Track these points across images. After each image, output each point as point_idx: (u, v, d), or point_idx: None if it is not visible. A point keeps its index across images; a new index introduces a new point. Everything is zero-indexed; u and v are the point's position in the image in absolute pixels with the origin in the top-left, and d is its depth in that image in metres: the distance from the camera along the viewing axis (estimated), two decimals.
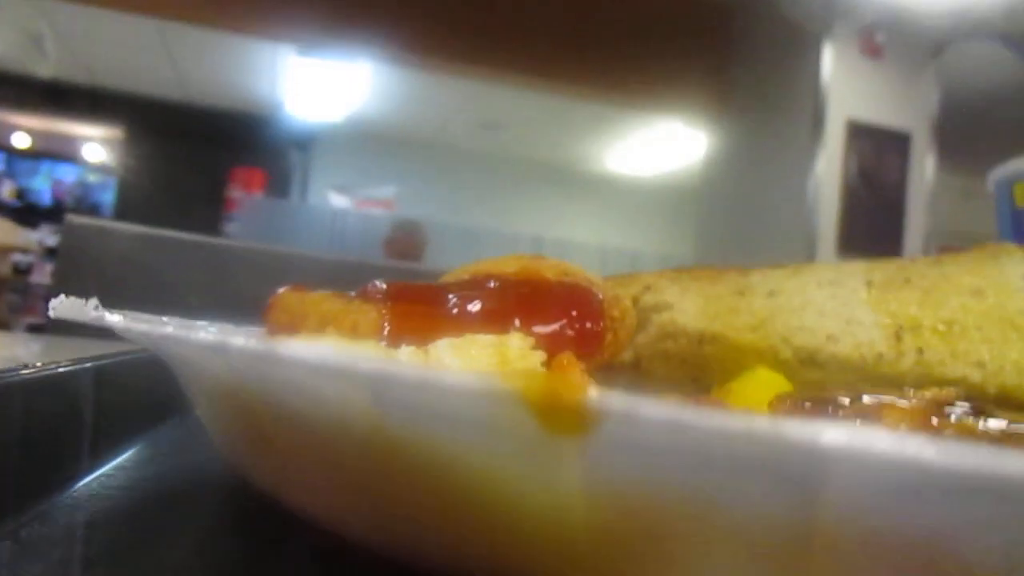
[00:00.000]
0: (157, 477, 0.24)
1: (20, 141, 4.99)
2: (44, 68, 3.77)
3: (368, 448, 0.13)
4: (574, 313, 0.24)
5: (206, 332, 0.13)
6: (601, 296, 0.25)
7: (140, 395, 0.32)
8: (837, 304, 0.27)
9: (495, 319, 0.23)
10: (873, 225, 2.51)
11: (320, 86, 3.75)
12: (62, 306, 0.21)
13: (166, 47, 3.69)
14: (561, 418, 0.10)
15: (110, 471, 0.24)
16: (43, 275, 4.70)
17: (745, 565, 0.11)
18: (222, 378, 0.15)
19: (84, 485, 0.22)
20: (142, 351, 0.34)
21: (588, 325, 0.24)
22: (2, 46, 3.79)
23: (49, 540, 0.17)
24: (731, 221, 2.83)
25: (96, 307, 0.19)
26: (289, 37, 2.91)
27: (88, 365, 0.25)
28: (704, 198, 3.04)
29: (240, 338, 0.13)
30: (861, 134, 2.52)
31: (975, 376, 0.24)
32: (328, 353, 0.12)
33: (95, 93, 4.29)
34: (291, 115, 4.25)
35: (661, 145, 4.11)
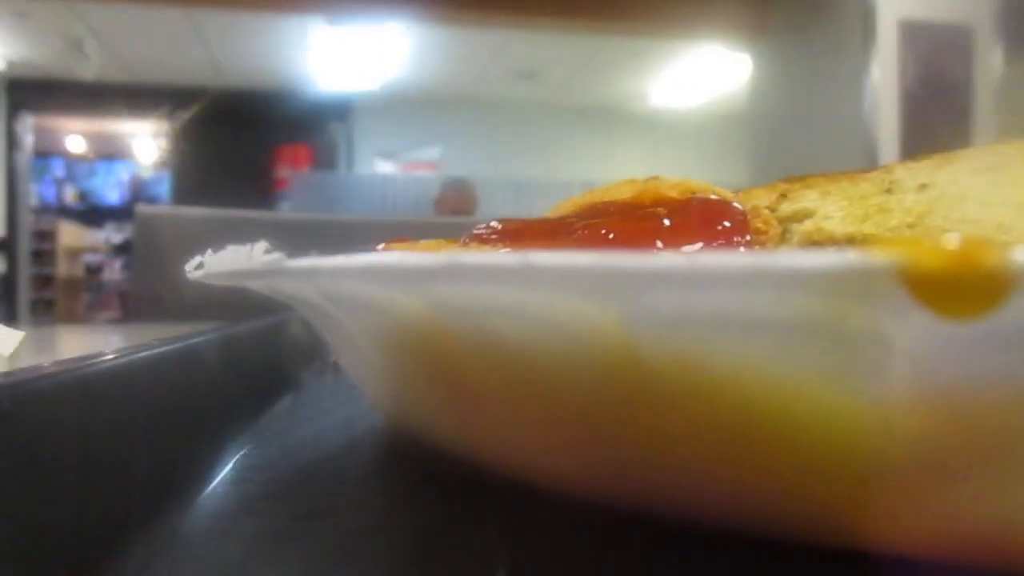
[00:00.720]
0: (307, 446, 0.24)
1: (75, 146, 5.12)
2: (87, 70, 3.84)
3: (610, 382, 0.12)
4: (720, 228, 0.22)
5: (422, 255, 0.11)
6: (741, 208, 0.23)
7: (259, 369, 0.31)
8: (1002, 191, 0.24)
9: (636, 247, 0.22)
10: (938, 132, 2.39)
11: (353, 55, 3.73)
12: (215, 260, 0.17)
13: (198, 36, 3.71)
14: (964, 293, 0.08)
15: (253, 446, 0.23)
16: (112, 272, 4.88)
17: None
18: (414, 319, 0.13)
19: (242, 457, 0.21)
20: (253, 323, 0.33)
21: (736, 239, 0.22)
22: (46, 53, 3.86)
23: (229, 514, 0.16)
24: (784, 143, 2.73)
25: (266, 250, 0.15)
26: (316, 9, 2.89)
27: (213, 336, 0.24)
28: (754, 122, 2.94)
29: (473, 256, 0.11)
30: (916, 34, 2.38)
31: None
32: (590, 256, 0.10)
33: (138, 90, 4.36)
34: (328, 87, 4.24)
35: (703, 73, 3.99)
